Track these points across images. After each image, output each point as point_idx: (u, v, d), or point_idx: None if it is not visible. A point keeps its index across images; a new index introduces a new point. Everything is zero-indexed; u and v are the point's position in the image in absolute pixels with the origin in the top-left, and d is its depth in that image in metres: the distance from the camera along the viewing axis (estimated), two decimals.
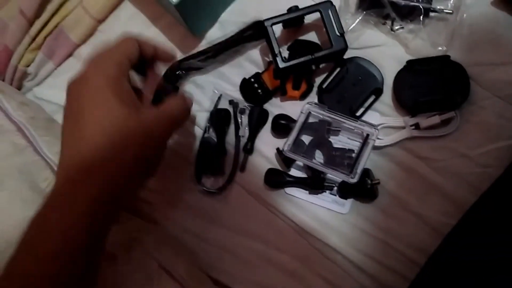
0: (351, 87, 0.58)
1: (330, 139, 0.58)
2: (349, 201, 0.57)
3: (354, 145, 0.58)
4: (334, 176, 0.55)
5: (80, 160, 0.36)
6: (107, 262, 0.50)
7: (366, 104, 0.58)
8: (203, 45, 0.67)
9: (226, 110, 0.62)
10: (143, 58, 0.45)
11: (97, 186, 0.36)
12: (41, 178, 0.54)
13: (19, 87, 0.72)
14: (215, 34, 0.66)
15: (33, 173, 0.54)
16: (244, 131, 0.61)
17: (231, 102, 0.62)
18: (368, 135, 0.55)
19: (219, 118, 0.61)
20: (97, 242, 0.38)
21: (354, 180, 0.53)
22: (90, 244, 0.36)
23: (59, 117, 0.67)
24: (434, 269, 0.49)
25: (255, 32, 0.60)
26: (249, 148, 0.61)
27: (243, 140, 0.61)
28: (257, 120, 0.60)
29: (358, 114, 0.58)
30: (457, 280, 0.46)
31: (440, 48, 0.56)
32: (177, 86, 0.63)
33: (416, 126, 0.55)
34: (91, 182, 0.36)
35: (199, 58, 0.62)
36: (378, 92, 0.57)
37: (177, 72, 0.62)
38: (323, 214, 0.58)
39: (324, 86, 0.59)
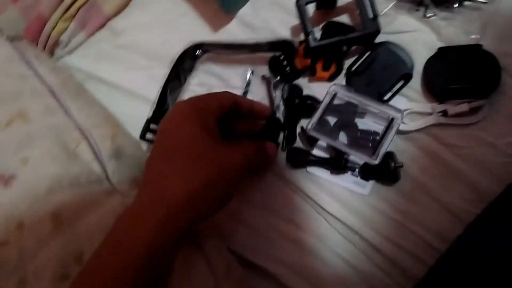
0: (381, 71, 0.58)
1: (355, 122, 0.58)
2: (370, 183, 0.58)
3: (379, 128, 0.58)
4: (357, 157, 0.56)
5: (153, 186, 0.41)
6: None
7: (395, 89, 0.58)
8: (233, 23, 0.68)
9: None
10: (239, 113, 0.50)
11: (161, 215, 0.38)
12: (71, 139, 0.55)
13: (51, 55, 0.74)
14: (247, 12, 0.67)
15: (64, 133, 0.56)
16: (280, 106, 0.61)
17: (263, 77, 0.63)
18: (393, 118, 0.55)
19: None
20: (159, 270, 0.39)
21: (376, 162, 0.53)
22: (150, 272, 0.38)
23: (88, 85, 0.69)
24: (456, 255, 0.50)
25: (282, 49, 0.61)
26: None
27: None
28: (295, 98, 0.61)
29: (385, 98, 0.58)
30: (481, 267, 0.46)
31: (473, 37, 0.56)
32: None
33: (444, 113, 0.55)
34: (158, 211, 0.38)
35: (219, 50, 0.63)
36: (408, 77, 0.58)
37: (196, 52, 0.64)
38: (344, 194, 0.58)
39: (353, 69, 0.59)
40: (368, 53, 0.59)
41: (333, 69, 0.60)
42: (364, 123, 0.59)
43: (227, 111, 0.48)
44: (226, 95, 0.47)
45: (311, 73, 0.61)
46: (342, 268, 0.57)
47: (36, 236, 0.46)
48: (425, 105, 0.57)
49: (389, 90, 0.58)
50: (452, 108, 0.55)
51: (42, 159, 0.52)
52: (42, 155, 0.52)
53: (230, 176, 0.42)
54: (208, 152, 0.41)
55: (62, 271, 0.45)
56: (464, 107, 0.54)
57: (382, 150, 0.54)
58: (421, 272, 0.53)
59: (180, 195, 0.38)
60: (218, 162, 0.41)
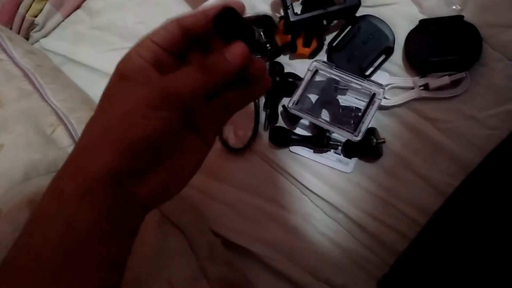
0: (362, 45, 0.57)
1: (337, 98, 0.58)
2: (353, 161, 0.57)
3: (361, 104, 0.57)
4: (339, 134, 0.55)
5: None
6: None
7: (376, 64, 0.57)
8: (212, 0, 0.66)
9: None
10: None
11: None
12: (47, 123, 0.54)
13: (26, 37, 0.72)
14: None
15: (39, 118, 0.54)
16: None
17: None
18: (374, 94, 0.55)
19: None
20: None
21: (358, 138, 0.53)
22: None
23: (65, 69, 0.67)
24: (436, 227, 0.50)
25: (262, 25, 0.59)
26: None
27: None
28: (276, 75, 0.59)
29: (367, 73, 0.57)
30: (459, 239, 0.46)
31: (454, 7, 0.55)
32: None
33: (425, 87, 0.55)
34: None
35: None
36: (389, 51, 0.57)
37: None
38: (327, 172, 0.58)
39: (334, 44, 0.58)
40: (349, 28, 0.58)
41: (314, 45, 0.59)
42: (346, 100, 0.58)
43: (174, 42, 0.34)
44: (163, 31, 0.33)
45: (291, 50, 0.59)
46: (327, 246, 0.57)
47: (13, 224, 0.45)
48: (406, 80, 0.56)
49: (371, 65, 0.57)
50: (434, 81, 0.54)
51: (17, 144, 0.51)
52: (17, 140, 0.51)
53: (159, 117, 0.31)
54: (131, 98, 0.31)
55: None
56: (445, 80, 0.53)
57: (364, 127, 0.53)
58: (404, 247, 0.53)
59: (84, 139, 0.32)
60: (146, 104, 0.31)
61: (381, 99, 0.54)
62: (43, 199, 0.31)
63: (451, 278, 0.46)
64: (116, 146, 0.30)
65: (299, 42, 0.59)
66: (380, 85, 0.54)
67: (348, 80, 0.55)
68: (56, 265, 0.28)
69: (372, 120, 0.54)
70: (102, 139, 0.30)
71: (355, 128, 0.54)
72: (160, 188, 0.33)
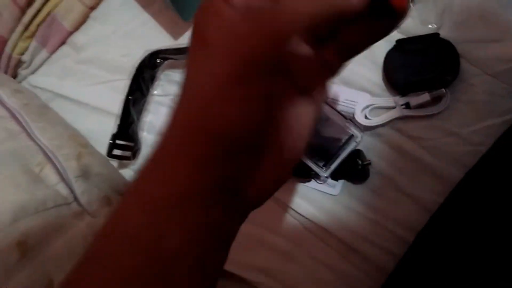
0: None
1: (317, 128, 0.57)
2: (340, 182, 0.57)
3: (341, 137, 0.55)
4: (309, 165, 0.54)
5: None
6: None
7: None
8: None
9: None
10: None
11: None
12: (34, 162, 0.55)
13: (14, 76, 0.73)
14: None
15: (26, 158, 0.55)
16: None
17: None
18: (352, 135, 0.53)
19: None
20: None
21: (325, 175, 0.53)
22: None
23: (53, 105, 0.68)
24: (422, 245, 0.50)
25: None
26: None
27: None
28: None
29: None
30: (445, 256, 0.47)
31: (430, 26, 0.55)
32: None
33: (407, 106, 0.55)
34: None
35: (176, 55, 0.62)
36: None
37: (157, 60, 0.63)
38: (315, 195, 0.58)
39: None
40: None
41: None
42: (326, 130, 0.56)
43: None
44: None
45: None
46: (319, 269, 0.57)
47: (3, 267, 0.46)
48: (388, 99, 0.56)
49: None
50: (414, 99, 0.54)
51: (5, 187, 0.51)
52: (5, 182, 0.51)
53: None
54: None
55: None
56: (425, 97, 0.53)
57: (334, 165, 0.52)
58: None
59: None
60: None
61: (357, 143, 0.53)
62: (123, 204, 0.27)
63: None
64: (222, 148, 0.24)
65: None
66: (360, 130, 0.53)
67: (331, 112, 0.54)
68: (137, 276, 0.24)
69: None
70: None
71: (325, 164, 0.53)
72: (270, 178, 0.27)
